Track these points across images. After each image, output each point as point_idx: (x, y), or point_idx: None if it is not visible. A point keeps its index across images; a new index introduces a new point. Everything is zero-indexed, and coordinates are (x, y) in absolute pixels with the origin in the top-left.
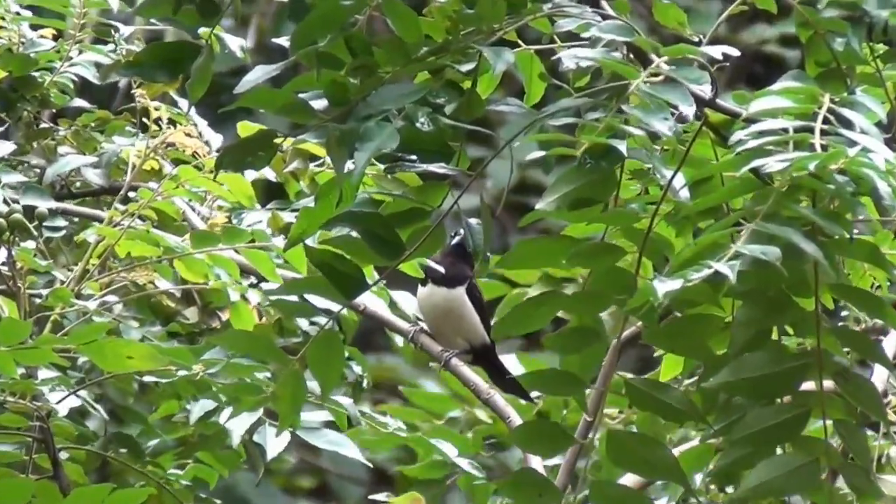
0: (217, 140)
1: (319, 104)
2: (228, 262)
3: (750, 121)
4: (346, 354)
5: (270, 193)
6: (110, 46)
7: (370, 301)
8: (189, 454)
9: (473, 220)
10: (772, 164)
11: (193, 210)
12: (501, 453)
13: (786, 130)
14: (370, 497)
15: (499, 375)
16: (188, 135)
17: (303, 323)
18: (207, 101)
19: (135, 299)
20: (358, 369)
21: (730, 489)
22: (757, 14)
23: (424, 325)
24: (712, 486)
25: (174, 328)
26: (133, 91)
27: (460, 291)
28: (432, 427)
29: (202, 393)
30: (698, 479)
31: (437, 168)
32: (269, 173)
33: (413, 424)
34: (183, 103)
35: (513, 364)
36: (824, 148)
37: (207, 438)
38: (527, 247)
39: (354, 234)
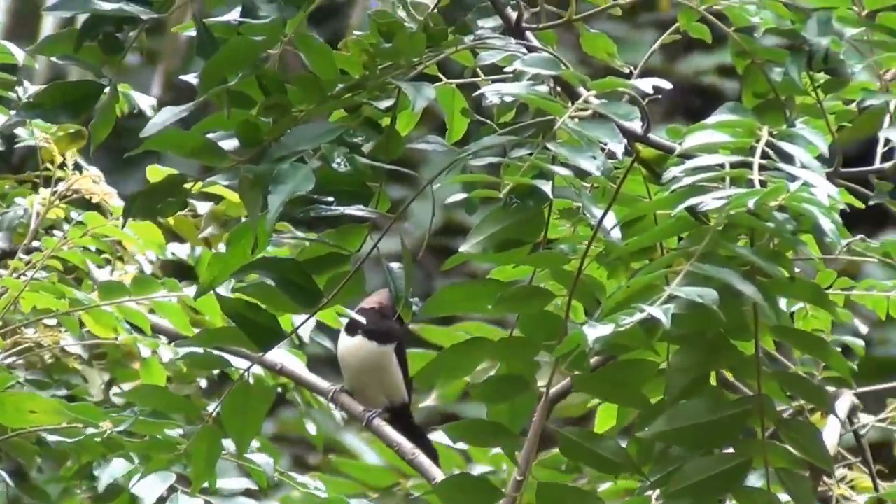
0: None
1: (231, 145)
2: (138, 314)
3: (684, 156)
4: None
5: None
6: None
7: (287, 360)
8: None
9: (395, 265)
10: (708, 201)
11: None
12: None
13: (722, 166)
14: None
15: (416, 436)
16: (95, 181)
17: None
18: (112, 145)
19: (40, 363)
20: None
21: None
22: (693, 43)
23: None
24: None
25: (80, 392)
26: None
27: (390, 349)
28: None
29: (112, 452)
30: None
31: (355, 211)
32: (181, 251)
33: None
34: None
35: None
36: (763, 184)
37: None
38: (451, 292)
39: (269, 281)
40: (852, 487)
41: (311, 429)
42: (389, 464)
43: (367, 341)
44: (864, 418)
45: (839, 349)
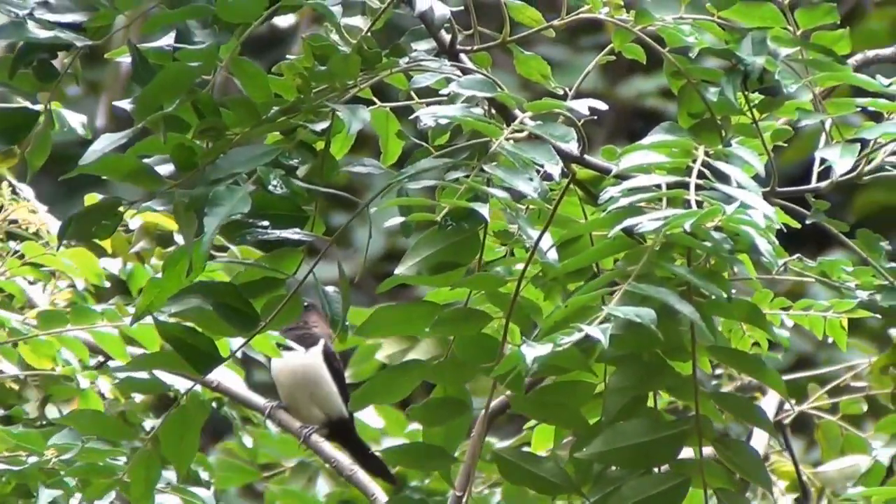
0: (55, 223)
1: (167, 169)
2: (77, 344)
3: (621, 177)
4: None
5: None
6: None
7: (224, 376)
8: None
9: (330, 288)
10: (645, 222)
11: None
12: None
13: (659, 186)
14: None
15: (359, 452)
16: (32, 211)
17: None
18: (53, 173)
19: None
20: (205, 475)
21: None
22: (635, 66)
23: (281, 400)
24: None
25: (17, 413)
26: None
27: (314, 353)
28: (280, 488)
29: (52, 479)
30: None
31: (290, 234)
32: (112, 266)
33: None
34: (23, 187)
35: (370, 416)
36: (700, 204)
37: None
38: (386, 313)
39: (206, 306)
40: (773, 471)
41: (248, 441)
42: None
43: (293, 353)
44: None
45: None
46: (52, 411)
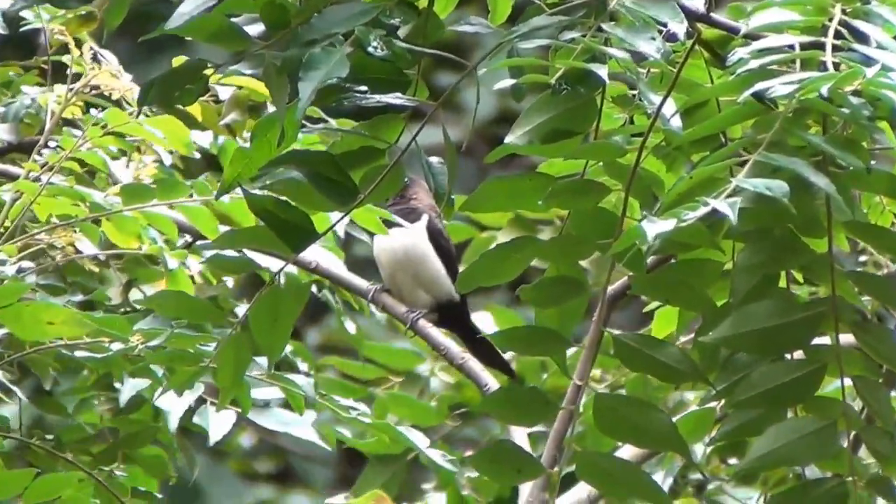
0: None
1: (256, 30)
2: (165, 220)
3: (750, 37)
4: None
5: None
6: None
7: (323, 257)
8: (115, 451)
9: (435, 159)
10: (777, 87)
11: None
12: (472, 424)
13: (792, 47)
14: (327, 501)
15: (472, 340)
16: (114, 75)
17: None
18: (131, 34)
19: (52, 267)
20: (304, 366)
21: (734, 460)
22: None
23: (385, 283)
24: (713, 459)
25: (99, 297)
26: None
27: (417, 229)
28: (389, 394)
29: (137, 368)
30: (699, 449)
31: (392, 99)
32: (201, 139)
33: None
34: (105, 53)
35: (487, 323)
36: (836, 67)
37: (136, 435)
38: (496, 186)
39: (300, 177)
40: None
41: (351, 328)
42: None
43: (394, 231)
44: None
45: None
46: (136, 296)
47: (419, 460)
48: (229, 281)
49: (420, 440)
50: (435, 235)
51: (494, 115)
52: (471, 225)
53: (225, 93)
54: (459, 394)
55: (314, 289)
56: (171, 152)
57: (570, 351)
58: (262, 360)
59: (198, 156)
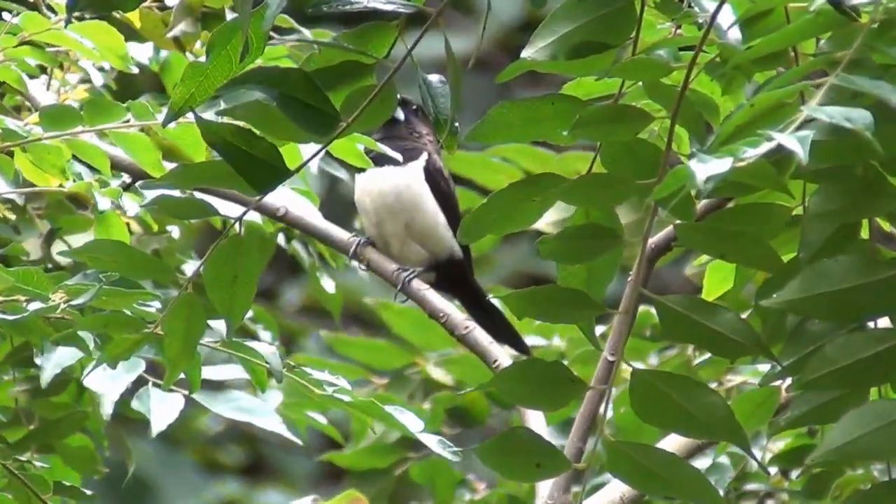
0: None
1: None
2: (95, 150)
3: None
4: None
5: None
6: None
7: (293, 202)
8: (36, 440)
9: (435, 77)
10: None
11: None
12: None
13: None
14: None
15: (477, 306)
16: None
17: None
18: None
19: None
20: (266, 335)
21: (796, 473)
22: None
23: (369, 235)
24: (773, 469)
25: (16, 250)
26: None
27: (413, 169)
28: (370, 393)
29: (62, 334)
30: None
31: (381, 3)
32: (141, 54)
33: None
34: None
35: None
36: None
37: (59, 422)
38: (510, 111)
39: (268, 99)
40: None
41: (329, 286)
42: (401, 339)
43: (379, 169)
44: None
45: None
46: (61, 249)
47: (410, 475)
48: (174, 231)
49: (412, 423)
50: (434, 175)
51: (521, 21)
52: (473, 191)
53: None
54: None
55: (281, 239)
56: (101, 69)
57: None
58: (219, 325)
59: (136, 70)
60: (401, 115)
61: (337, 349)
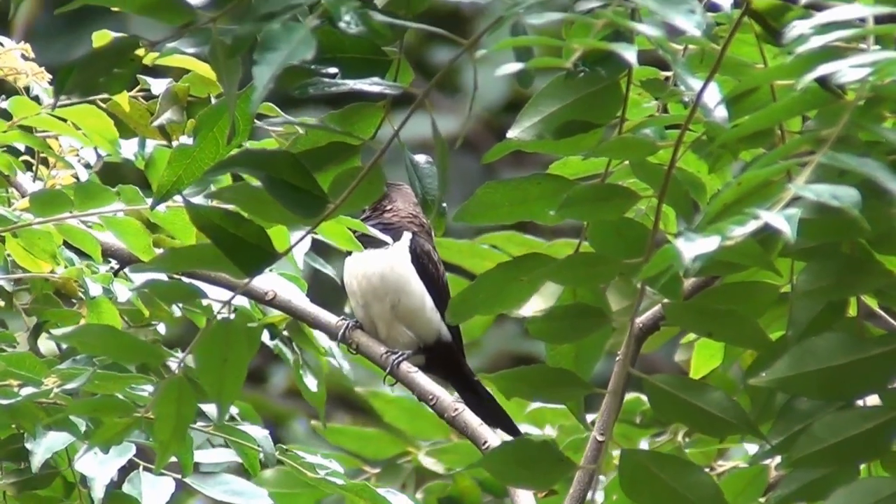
0: None
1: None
2: (85, 236)
3: (813, 7)
4: None
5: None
6: None
7: (281, 286)
8: None
9: (422, 158)
10: (845, 69)
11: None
12: None
13: (864, 20)
14: None
15: (466, 386)
16: (24, 56)
17: None
18: (48, 5)
19: None
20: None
21: None
22: None
23: (357, 318)
24: None
25: (5, 337)
26: None
27: (397, 250)
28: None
29: (53, 419)
30: None
31: (369, 85)
32: (126, 148)
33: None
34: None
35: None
36: None
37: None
38: (497, 191)
39: (255, 182)
40: None
41: (311, 384)
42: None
43: (366, 251)
44: None
45: None
46: (47, 346)
47: None
48: (160, 326)
49: None
50: (420, 257)
51: (505, 102)
52: (461, 276)
53: (158, 87)
54: (452, 484)
55: (266, 337)
56: (87, 167)
57: None
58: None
59: (124, 155)
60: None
61: (328, 438)
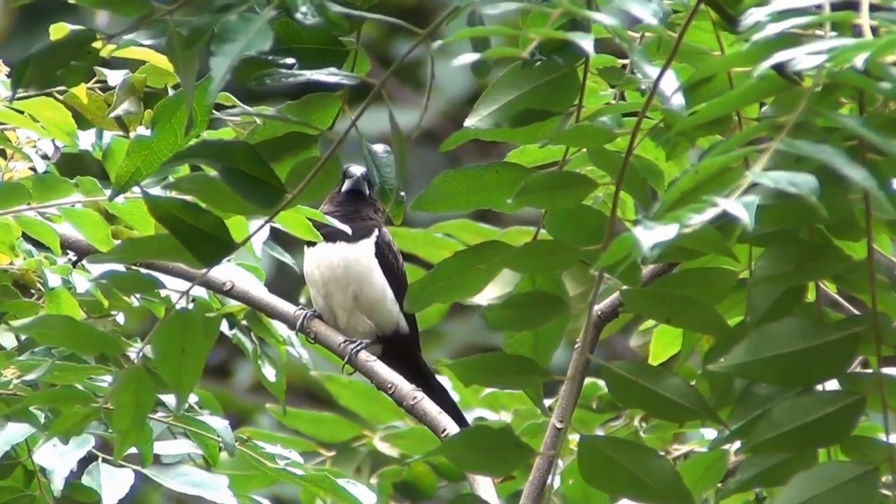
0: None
1: None
2: (44, 228)
3: None
4: None
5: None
6: None
7: (239, 277)
8: None
9: (380, 148)
10: (801, 57)
11: None
12: None
13: (820, 7)
14: None
15: (422, 380)
16: None
17: None
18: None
19: None
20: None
21: None
22: None
23: (316, 307)
24: None
25: None
26: None
27: (365, 248)
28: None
29: (13, 410)
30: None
31: (326, 76)
32: (83, 139)
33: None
34: None
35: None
36: (875, 32)
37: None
38: (454, 180)
39: (213, 173)
40: None
41: (270, 374)
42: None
43: (330, 244)
44: None
45: None
46: (4, 339)
47: None
48: (119, 316)
49: (365, 497)
50: (383, 249)
51: (469, 95)
52: (416, 265)
53: (115, 78)
54: (407, 469)
55: (225, 327)
56: (45, 158)
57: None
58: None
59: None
60: (366, 190)
61: (285, 423)
